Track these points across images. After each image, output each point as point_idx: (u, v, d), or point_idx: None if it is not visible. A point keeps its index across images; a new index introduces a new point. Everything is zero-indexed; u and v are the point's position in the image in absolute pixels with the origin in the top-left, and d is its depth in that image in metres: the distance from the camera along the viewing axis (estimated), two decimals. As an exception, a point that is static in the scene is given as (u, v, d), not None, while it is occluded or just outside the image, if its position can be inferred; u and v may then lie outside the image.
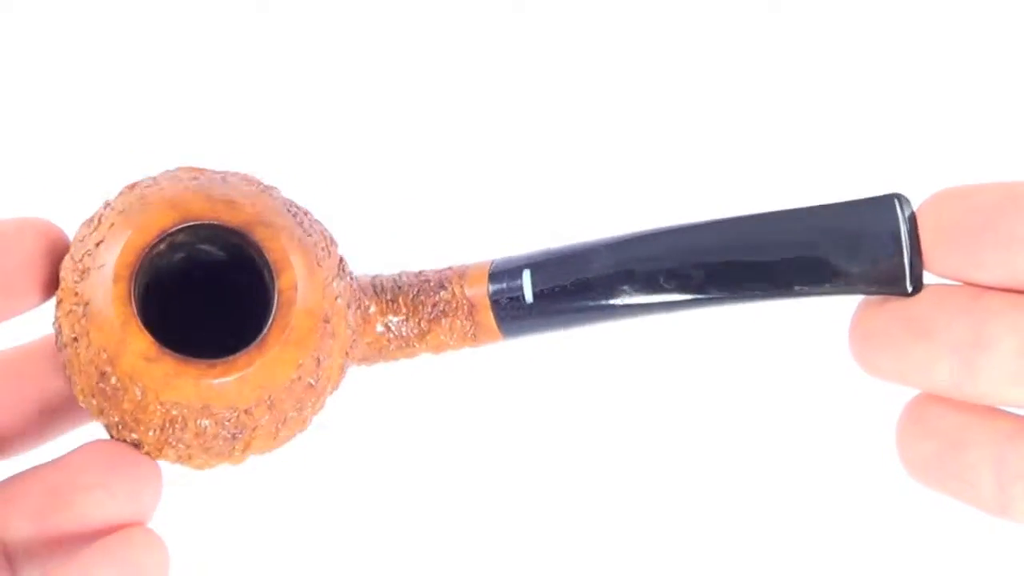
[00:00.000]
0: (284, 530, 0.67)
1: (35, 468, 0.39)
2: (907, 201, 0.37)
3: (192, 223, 0.38)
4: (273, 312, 0.38)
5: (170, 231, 0.38)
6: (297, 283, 0.38)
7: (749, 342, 0.67)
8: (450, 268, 0.42)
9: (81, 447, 0.39)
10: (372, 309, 0.41)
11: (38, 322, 0.41)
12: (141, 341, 0.38)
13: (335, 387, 0.41)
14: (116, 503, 0.38)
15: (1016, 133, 0.65)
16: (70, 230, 0.41)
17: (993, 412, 0.36)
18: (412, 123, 0.68)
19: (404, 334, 0.42)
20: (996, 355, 0.35)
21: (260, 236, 0.39)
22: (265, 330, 0.38)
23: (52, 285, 0.40)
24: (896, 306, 0.37)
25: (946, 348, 0.36)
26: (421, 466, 0.67)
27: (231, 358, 0.38)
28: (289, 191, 0.43)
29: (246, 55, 0.69)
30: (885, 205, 0.37)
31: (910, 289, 0.37)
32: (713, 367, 0.67)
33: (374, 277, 0.42)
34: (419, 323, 0.41)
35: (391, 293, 0.41)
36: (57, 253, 0.40)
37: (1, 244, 0.39)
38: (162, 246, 0.38)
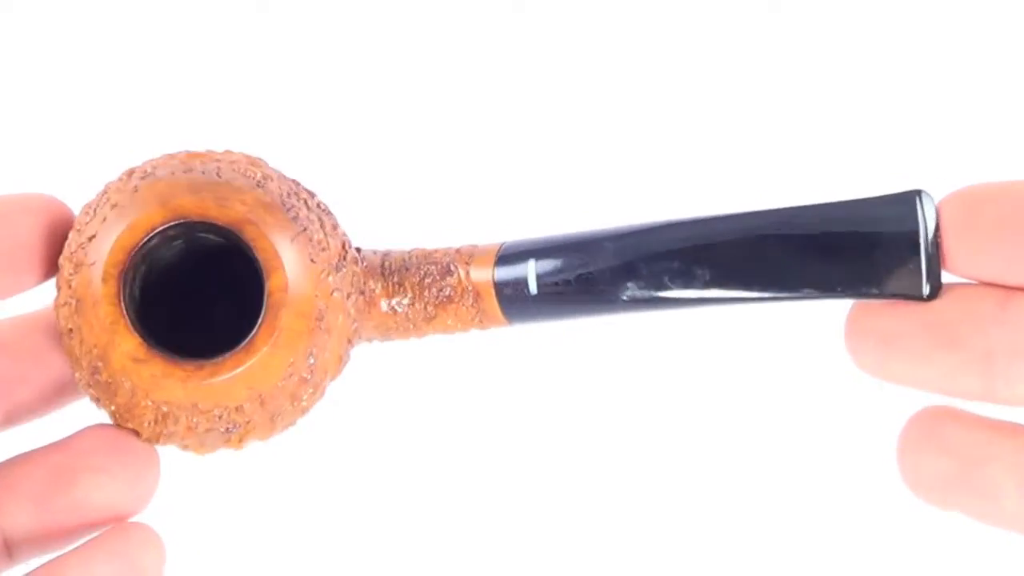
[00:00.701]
0: (281, 526, 0.67)
1: (35, 451, 0.39)
2: (930, 199, 0.35)
3: (181, 221, 0.38)
4: (262, 314, 0.38)
5: (159, 229, 0.38)
6: (287, 284, 0.38)
7: (746, 345, 0.66)
8: (459, 250, 0.41)
9: (83, 431, 0.39)
10: (377, 290, 0.41)
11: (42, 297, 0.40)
12: (129, 342, 0.38)
13: (336, 375, 0.40)
14: (118, 487, 0.38)
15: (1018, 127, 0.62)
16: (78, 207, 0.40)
17: (1014, 427, 0.35)
18: (426, 107, 0.68)
19: (411, 317, 0.41)
20: None
21: (249, 235, 0.38)
22: (253, 332, 0.38)
23: (55, 264, 0.39)
24: (911, 309, 0.35)
25: (977, 357, 0.34)
26: (419, 457, 0.67)
27: (219, 359, 0.38)
28: (301, 168, 0.42)
29: (258, 31, 0.68)
30: (905, 203, 0.35)
31: (926, 295, 0.35)
32: (716, 367, 0.66)
33: (386, 254, 0.41)
34: (425, 307, 0.41)
35: (398, 275, 0.41)
36: (61, 230, 0.39)
37: (2, 220, 0.39)
38: (153, 242, 0.38)
